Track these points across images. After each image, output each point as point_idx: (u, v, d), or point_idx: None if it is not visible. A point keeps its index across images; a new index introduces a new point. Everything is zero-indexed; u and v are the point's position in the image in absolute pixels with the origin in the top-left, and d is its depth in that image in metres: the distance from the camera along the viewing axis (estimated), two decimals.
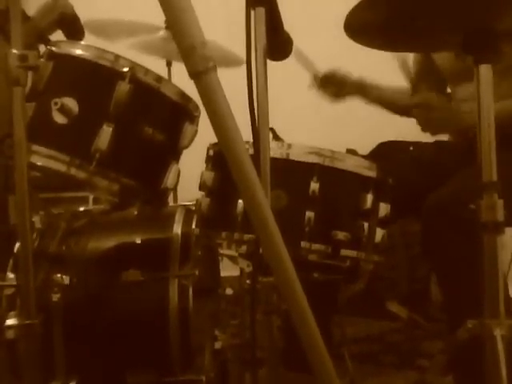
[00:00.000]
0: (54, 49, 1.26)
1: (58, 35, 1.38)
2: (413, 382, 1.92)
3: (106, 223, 1.48)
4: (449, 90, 2.00)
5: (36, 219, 1.35)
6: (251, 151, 1.07)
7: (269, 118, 1.09)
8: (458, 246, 1.46)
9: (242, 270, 1.75)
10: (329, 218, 1.36)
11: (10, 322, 1.18)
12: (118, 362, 1.28)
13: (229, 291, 2.00)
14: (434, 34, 1.16)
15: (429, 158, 1.85)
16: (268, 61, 1.11)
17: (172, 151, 1.33)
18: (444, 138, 1.97)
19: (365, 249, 1.38)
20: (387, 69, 2.04)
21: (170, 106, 1.31)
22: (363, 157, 1.51)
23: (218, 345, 1.44)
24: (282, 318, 1.35)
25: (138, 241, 1.36)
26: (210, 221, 1.40)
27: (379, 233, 1.41)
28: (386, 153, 1.92)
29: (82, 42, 1.37)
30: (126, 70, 1.22)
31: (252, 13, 1.08)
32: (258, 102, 1.07)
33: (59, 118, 1.21)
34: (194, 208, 1.45)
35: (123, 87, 1.22)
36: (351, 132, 2.00)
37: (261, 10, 1.08)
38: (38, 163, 1.20)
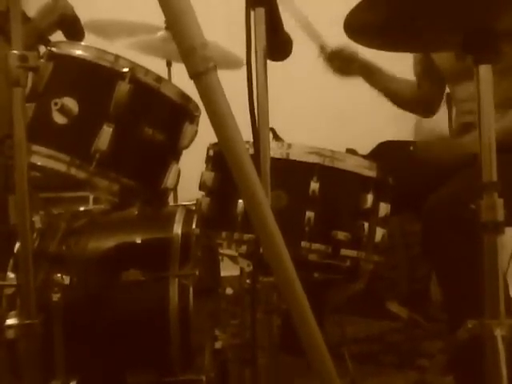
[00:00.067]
0: (54, 49, 1.26)
1: (58, 36, 1.38)
2: (413, 382, 1.92)
3: (106, 223, 1.48)
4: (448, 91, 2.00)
5: (36, 219, 1.35)
6: (251, 151, 1.07)
7: (269, 118, 1.09)
8: (458, 246, 1.46)
9: (242, 270, 1.76)
10: (329, 217, 1.36)
11: (10, 321, 1.17)
12: (118, 362, 1.28)
13: (229, 291, 2.00)
14: (434, 34, 1.16)
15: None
16: (268, 61, 1.11)
17: (172, 151, 1.33)
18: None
19: (365, 249, 1.38)
20: (387, 69, 2.05)
21: (170, 106, 1.31)
22: (363, 157, 1.51)
23: (218, 345, 1.44)
24: (282, 317, 1.35)
25: (139, 241, 1.36)
26: (210, 221, 1.40)
27: (379, 233, 1.41)
28: (385, 153, 1.92)
29: (82, 43, 1.37)
30: (126, 70, 1.22)
31: (252, 13, 1.08)
32: (258, 102, 1.07)
33: (59, 119, 1.21)
34: (194, 208, 1.45)
35: (123, 87, 1.22)
36: (351, 132, 2.00)
37: (261, 11, 1.08)
38: (38, 163, 1.20)
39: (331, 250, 1.34)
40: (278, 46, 1.17)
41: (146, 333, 1.27)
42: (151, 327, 1.27)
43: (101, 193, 1.34)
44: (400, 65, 1.88)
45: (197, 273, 1.27)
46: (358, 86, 2.05)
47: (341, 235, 1.34)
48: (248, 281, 1.43)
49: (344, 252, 1.35)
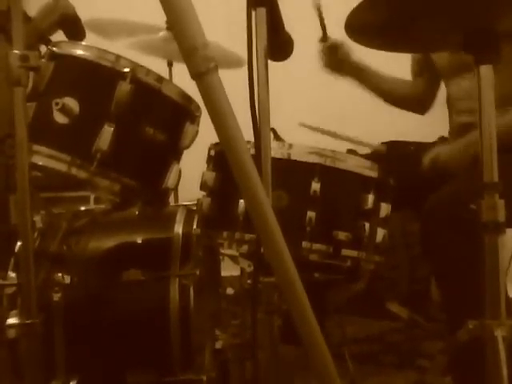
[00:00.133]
0: (55, 49, 1.26)
1: (59, 36, 1.38)
2: (413, 382, 1.92)
3: (107, 223, 1.48)
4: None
5: (37, 219, 1.36)
6: (253, 151, 1.07)
7: (270, 119, 1.09)
8: (458, 246, 1.46)
9: (242, 270, 1.75)
10: (330, 218, 1.36)
11: (10, 321, 1.18)
12: (119, 362, 1.28)
13: (230, 291, 2.00)
14: (435, 34, 1.16)
15: None
16: (269, 61, 1.11)
17: (173, 151, 1.33)
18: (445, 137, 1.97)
19: (366, 249, 1.38)
20: (387, 69, 2.05)
21: (170, 106, 1.31)
22: (364, 157, 1.51)
23: (218, 344, 1.44)
24: (283, 317, 1.35)
25: (139, 240, 1.36)
26: (211, 221, 1.40)
27: (380, 233, 1.41)
28: (387, 153, 1.92)
29: (83, 43, 1.38)
30: (126, 70, 1.22)
31: (253, 13, 1.08)
32: (259, 102, 1.07)
33: (60, 118, 1.21)
34: (195, 208, 1.45)
35: (124, 87, 1.22)
36: (352, 132, 1.99)
37: (262, 11, 1.08)
38: (39, 163, 1.20)
39: (332, 250, 1.34)
40: (278, 46, 1.17)
41: (147, 332, 1.28)
42: (152, 327, 1.27)
43: (102, 193, 1.34)
44: (395, 64, 1.88)
45: (197, 273, 1.27)
46: (359, 86, 2.05)
47: (342, 235, 1.34)
48: (249, 281, 1.43)
49: (345, 252, 1.35)
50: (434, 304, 2.43)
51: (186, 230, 1.34)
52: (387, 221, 1.42)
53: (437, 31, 1.14)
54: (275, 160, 1.16)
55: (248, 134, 1.00)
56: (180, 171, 1.34)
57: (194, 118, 1.35)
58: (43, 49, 1.28)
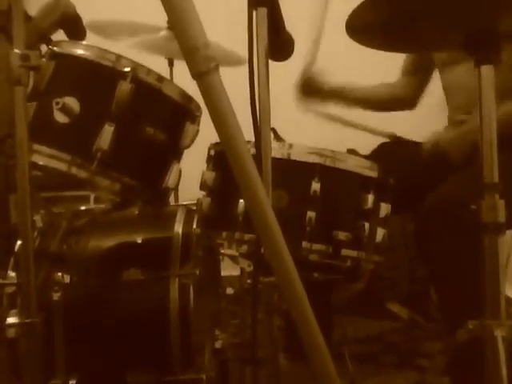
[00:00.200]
0: (55, 49, 1.26)
1: (59, 35, 1.38)
2: (413, 382, 1.92)
3: (107, 222, 1.48)
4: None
5: (37, 218, 1.35)
6: (253, 151, 1.07)
7: (270, 118, 1.09)
8: (454, 247, 1.46)
9: (242, 270, 1.75)
10: (330, 218, 1.36)
11: (10, 320, 1.18)
12: (119, 361, 1.28)
13: (229, 291, 2.00)
14: (436, 34, 1.16)
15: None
16: (270, 61, 1.11)
17: (173, 151, 1.33)
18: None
19: (365, 249, 1.38)
20: (388, 69, 2.05)
21: (171, 105, 1.31)
22: (364, 157, 1.51)
23: (218, 344, 1.44)
24: (283, 317, 1.35)
25: (139, 240, 1.36)
26: (210, 220, 1.40)
27: (380, 233, 1.41)
28: (387, 153, 1.92)
29: (84, 42, 1.38)
30: (127, 69, 1.22)
31: (254, 13, 1.08)
32: (259, 102, 1.07)
33: (61, 118, 1.21)
34: (194, 208, 1.45)
35: (125, 87, 1.22)
36: (352, 132, 2.00)
37: (263, 11, 1.08)
38: (40, 162, 1.20)
39: (332, 250, 1.34)
40: (279, 46, 1.17)
41: (147, 332, 1.27)
42: (151, 326, 1.27)
43: (102, 192, 1.34)
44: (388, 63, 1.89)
45: (197, 272, 1.27)
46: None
47: (341, 235, 1.34)
48: (249, 281, 1.43)
49: (345, 252, 1.35)
50: (434, 304, 2.42)
51: (186, 230, 1.34)
52: (387, 221, 1.42)
53: (438, 31, 1.14)
54: (275, 160, 1.16)
55: (248, 133, 1.00)
56: (180, 171, 1.34)
57: (194, 118, 1.35)
58: (44, 48, 1.28)
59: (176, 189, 1.53)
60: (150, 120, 1.27)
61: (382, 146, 2.00)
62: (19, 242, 1.12)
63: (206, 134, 1.25)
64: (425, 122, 2.18)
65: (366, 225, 1.37)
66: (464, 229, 1.40)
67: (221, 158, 1.42)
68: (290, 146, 1.35)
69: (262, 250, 0.96)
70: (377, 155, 1.88)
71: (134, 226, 1.43)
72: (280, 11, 1.14)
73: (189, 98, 1.32)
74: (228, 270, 1.74)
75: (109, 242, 1.36)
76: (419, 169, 1.71)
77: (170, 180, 1.31)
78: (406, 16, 1.08)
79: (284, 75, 1.68)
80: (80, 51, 1.25)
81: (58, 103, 1.20)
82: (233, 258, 1.49)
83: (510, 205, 1.07)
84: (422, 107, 2.12)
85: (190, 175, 1.40)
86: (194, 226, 1.35)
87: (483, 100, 1.07)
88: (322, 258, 1.34)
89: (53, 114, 1.21)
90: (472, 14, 1.05)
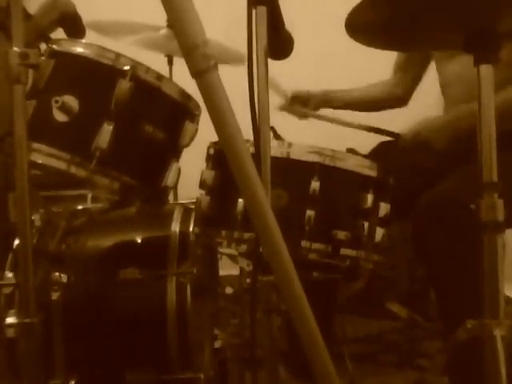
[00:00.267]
0: (55, 47, 1.26)
1: (59, 33, 1.38)
2: (412, 381, 1.92)
3: (105, 221, 1.48)
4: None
5: (36, 217, 1.35)
6: (252, 150, 1.07)
7: (269, 117, 1.09)
8: (451, 246, 1.46)
9: (241, 269, 1.75)
10: (329, 217, 1.36)
11: (9, 320, 1.17)
12: (117, 360, 1.28)
13: (228, 290, 2.00)
14: (435, 33, 1.16)
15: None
16: (269, 60, 1.11)
17: (172, 150, 1.33)
18: None
19: (365, 248, 1.38)
20: (388, 69, 2.05)
21: (170, 104, 1.31)
22: (364, 156, 1.51)
23: (217, 344, 1.44)
24: (282, 317, 1.35)
25: (137, 239, 1.35)
26: (209, 219, 1.40)
27: (379, 232, 1.41)
28: (386, 152, 1.92)
29: (83, 41, 1.37)
30: (126, 68, 1.22)
31: (253, 12, 1.08)
32: (258, 100, 1.07)
33: (60, 116, 1.21)
34: (193, 206, 1.45)
35: (124, 85, 1.21)
36: (351, 131, 2.00)
37: (262, 9, 1.08)
38: (39, 161, 1.20)
39: (331, 249, 1.34)
40: (279, 44, 1.17)
41: (145, 331, 1.27)
42: (149, 325, 1.27)
43: (101, 191, 1.34)
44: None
45: (195, 271, 1.26)
46: (359, 86, 2.06)
47: (341, 235, 1.33)
48: (248, 280, 1.43)
49: (344, 251, 1.35)
50: (434, 304, 2.42)
51: (183, 229, 1.34)
52: (386, 220, 1.42)
53: (437, 31, 1.14)
54: (274, 159, 1.15)
55: (247, 132, 1.00)
56: (179, 170, 1.34)
57: (193, 117, 1.34)
58: (43, 46, 1.27)
59: (175, 187, 1.54)
60: (149, 118, 1.27)
61: (381, 145, 2.00)
62: (17, 241, 1.12)
63: (205, 132, 1.25)
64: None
65: (366, 224, 1.37)
66: (462, 228, 1.40)
67: (220, 157, 1.42)
68: (290, 144, 1.35)
69: (261, 249, 0.96)
70: (376, 154, 1.88)
71: (132, 225, 1.43)
72: (280, 10, 1.13)
73: (188, 97, 1.32)
74: (227, 269, 1.74)
75: (107, 241, 1.36)
76: (402, 161, 1.70)
77: (169, 179, 1.31)
78: (406, 15, 1.08)
79: (283, 74, 1.68)
80: (79, 49, 1.25)
81: (57, 101, 1.19)
82: (232, 257, 1.49)
83: (510, 205, 1.07)
84: (421, 106, 2.12)
85: (189, 174, 1.40)
86: (192, 225, 1.35)
87: (482, 99, 1.07)
88: (321, 258, 1.34)
89: (52, 112, 1.20)
90: (471, 13, 1.05)
